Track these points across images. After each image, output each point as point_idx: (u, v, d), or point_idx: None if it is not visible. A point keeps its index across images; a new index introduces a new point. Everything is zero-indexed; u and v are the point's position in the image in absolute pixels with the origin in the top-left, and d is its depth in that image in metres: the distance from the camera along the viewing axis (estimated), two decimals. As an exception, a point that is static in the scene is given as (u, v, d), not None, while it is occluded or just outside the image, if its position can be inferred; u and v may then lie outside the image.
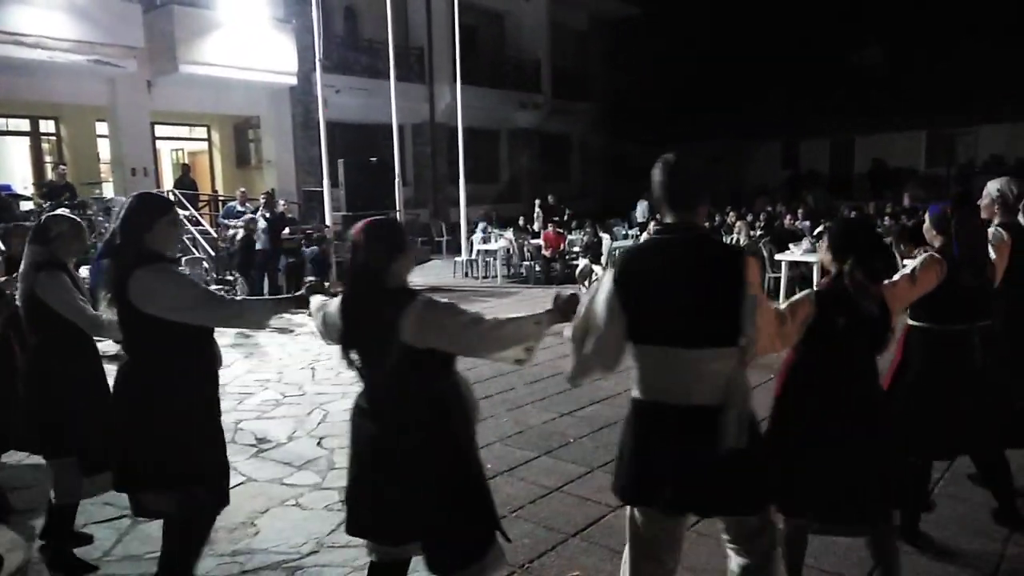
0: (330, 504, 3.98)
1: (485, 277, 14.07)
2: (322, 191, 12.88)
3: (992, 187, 3.92)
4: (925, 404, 3.21)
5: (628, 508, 2.44)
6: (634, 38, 27.78)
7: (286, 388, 6.47)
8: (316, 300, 2.74)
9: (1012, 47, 23.53)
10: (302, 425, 5.42)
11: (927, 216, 3.39)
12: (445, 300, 2.40)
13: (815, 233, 12.07)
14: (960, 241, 3.17)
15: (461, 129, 15.30)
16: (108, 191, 14.05)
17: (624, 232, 15.99)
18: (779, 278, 10.34)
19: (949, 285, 3.07)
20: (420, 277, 13.74)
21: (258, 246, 10.95)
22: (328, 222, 12.61)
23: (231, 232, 11.41)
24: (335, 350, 2.51)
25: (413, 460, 2.32)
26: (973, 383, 3.25)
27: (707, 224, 14.46)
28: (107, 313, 2.89)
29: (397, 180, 13.27)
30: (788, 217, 13.42)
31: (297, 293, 2.87)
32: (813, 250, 10.28)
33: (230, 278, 10.95)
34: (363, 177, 12.46)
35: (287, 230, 11.71)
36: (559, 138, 25.79)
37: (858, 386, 2.64)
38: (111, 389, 2.89)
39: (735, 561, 2.41)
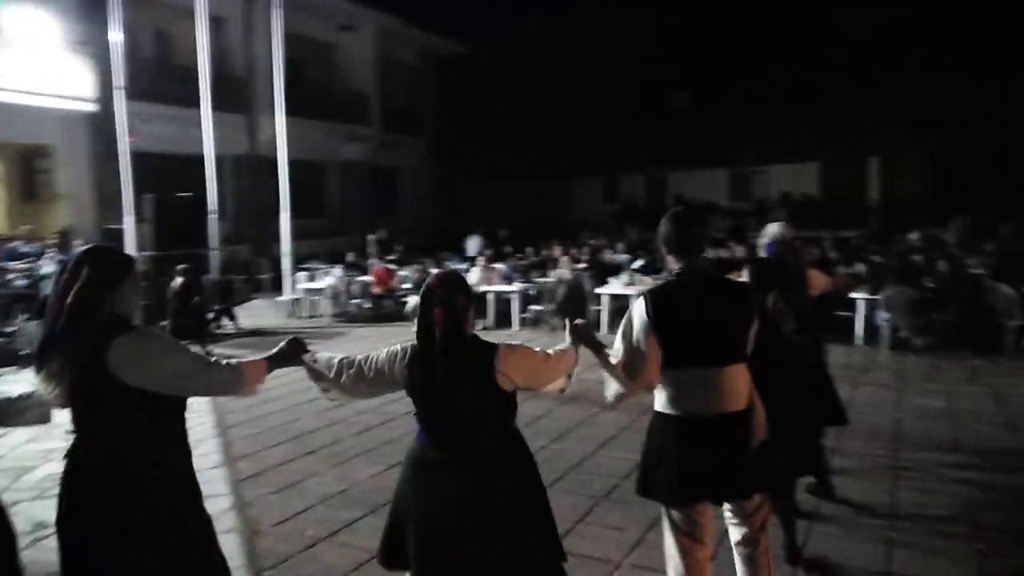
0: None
1: (312, 316, 13.50)
2: (123, 229, 11.78)
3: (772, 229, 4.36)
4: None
5: (665, 514, 2.86)
6: (463, 75, 28.37)
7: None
8: (322, 358, 2.68)
9: (795, 98, 26.71)
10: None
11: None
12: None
13: (633, 266, 12.79)
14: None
15: (285, 161, 14.69)
16: None
17: (455, 266, 16.06)
18: (600, 311, 10.78)
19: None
20: (243, 319, 12.91)
21: (45, 291, 9.75)
22: (133, 262, 11.53)
23: (10, 276, 10.06)
24: None
25: None
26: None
27: (535, 258, 14.71)
28: (41, 382, 2.35)
29: (211, 215, 12.45)
30: (609, 251, 14.10)
31: (283, 343, 2.69)
32: (632, 283, 10.86)
33: (8, 330, 9.57)
34: (174, 212, 11.56)
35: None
36: (389, 172, 25.60)
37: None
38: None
39: (737, 532, 2.92)
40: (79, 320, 2.28)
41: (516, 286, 11.81)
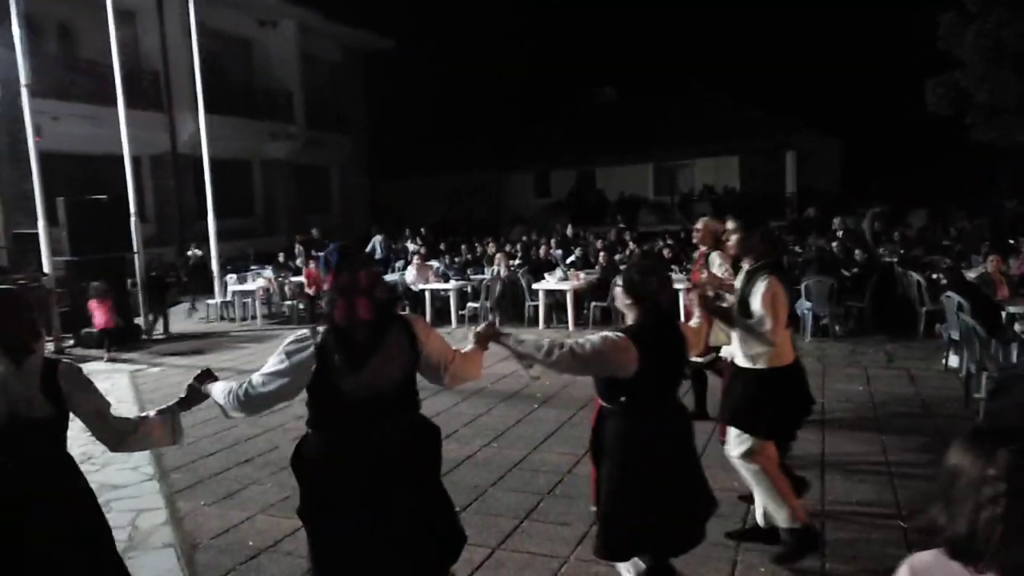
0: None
1: (244, 319, 13.13)
2: (37, 233, 11.15)
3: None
4: None
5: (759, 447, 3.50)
6: (389, 71, 28.05)
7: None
8: (218, 387, 2.66)
9: (717, 94, 27.51)
10: None
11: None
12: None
13: (567, 261, 12.95)
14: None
15: (208, 160, 14.20)
16: None
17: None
18: (537, 306, 10.89)
19: None
20: (174, 323, 12.46)
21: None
22: (47, 268, 10.95)
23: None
24: None
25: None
26: None
27: (469, 256, 14.70)
28: None
29: (133, 217, 11.93)
30: (543, 247, 14.22)
31: (188, 385, 2.73)
32: (566, 278, 11.01)
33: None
34: (90, 215, 11.01)
35: (-9, 281, 9.95)
36: (317, 170, 25.11)
37: None
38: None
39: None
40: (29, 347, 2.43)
41: (452, 283, 11.79)
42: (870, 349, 8.47)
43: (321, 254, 2.54)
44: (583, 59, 32.92)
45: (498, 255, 12.48)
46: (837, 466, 4.92)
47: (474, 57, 31.70)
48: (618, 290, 2.96)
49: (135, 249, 11.98)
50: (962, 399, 6.19)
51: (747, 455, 3.57)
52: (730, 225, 3.80)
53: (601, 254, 12.28)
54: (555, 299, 11.08)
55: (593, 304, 10.76)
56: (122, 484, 5.04)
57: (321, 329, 2.52)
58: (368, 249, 16.11)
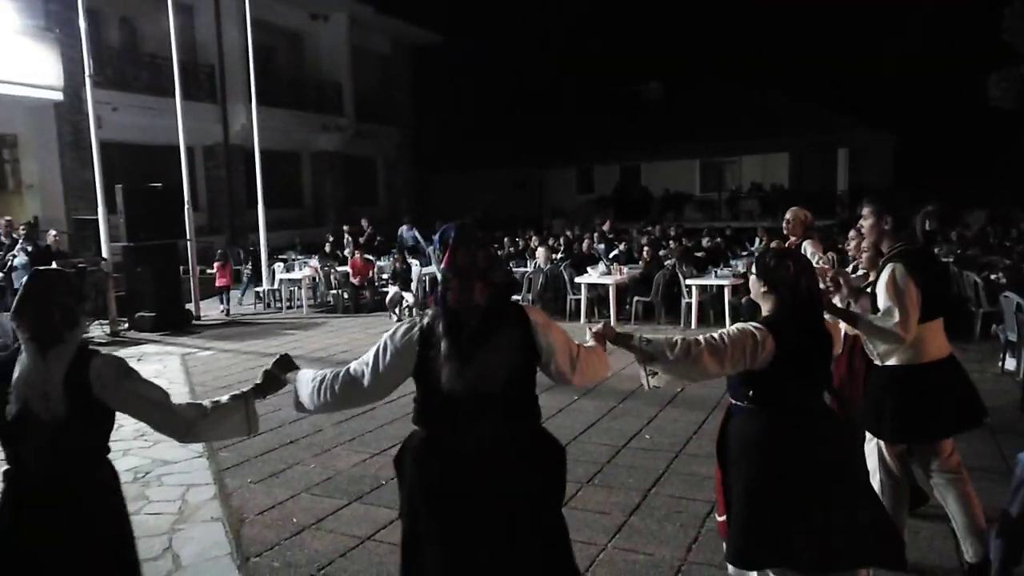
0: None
1: (290, 307, 13.41)
2: (97, 219, 11.58)
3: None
4: None
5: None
6: (437, 64, 28.24)
7: None
8: (305, 375, 2.47)
9: (766, 90, 26.98)
10: None
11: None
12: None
13: (610, 256, 12.89)
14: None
15: (258, 151, 14.53)
16: None
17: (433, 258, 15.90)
18: (579, 300, 10.87)
19: None
20: (218, 310, 12.79)
21: (16, 285, 9.58)
22: (105, 253, 11.35)
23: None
24: None
25: None
26: None
27: (511, 249, 14.67)
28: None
29: (187, 206, 12.27)
30: (586, 241, 14.19)
31: (264, 371, 2.51)
32: (608, 272, 10.97)
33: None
34: (147, 203, 11.36)
35: (54, 264, 10.34)
36: (365, 162, 25.46)
37: None
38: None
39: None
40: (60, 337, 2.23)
41: (494, 276, 11.82)
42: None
43: (436, 233, 2.36)
44: (629, 54, 32.64)
45: (540, 248, 12.49)
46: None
47: (520, 52, 31.73)
48: (752, 278, 2.68)
49: (188, 236, 12.33)
50: (1019, 402, 5.99)
51: (880, 459, 3.33)
52: (865, 211, 3.46)
53: (645, 248, 12.19)
54: (597, 293, 11.04)
55: (635, 299, 10.69)
56: (172, 460, 5.21)
57: (428, 312, 2.33)
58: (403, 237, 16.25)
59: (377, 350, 2.30)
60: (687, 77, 29.47)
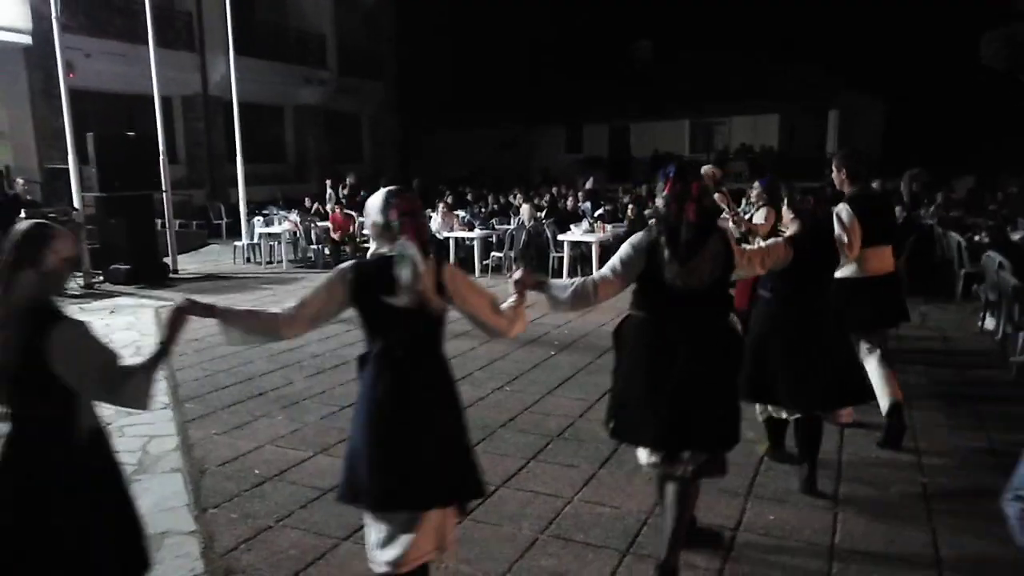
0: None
1: (269, 263, 13.19)
2: (68, 169, 11.25)
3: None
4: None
5: None
6: (423, 19, 27.49)
7: None
8: (556, 284, 3.02)
9: (757, 51, 26.56)
10: None
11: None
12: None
13: (595, 214, 12.72)
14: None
15: (237, 103, 14.12)
16: None
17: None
18: (562, 257, 10.73)
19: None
20: (197, 264, 12.58)
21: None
22: (77, 204, 11.06)
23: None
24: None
25: None
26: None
27: (495, 206, 14.48)
28: None
29: (163, 157, 11.94)
30: (570, 199, 13.96)
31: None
32: (592, 231, 10.80)
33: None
34: (120, 152, 11.02)
35: (23, 213, 10.07)
36: (349, 117, 24.93)
37: None
38: None
39: None
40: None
41: (477, 232, 11.66)
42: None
43: (663, 170, 2.96)
44: (619, 12, 31.93)
45: (525, 205, 12.29)
46: (859, 421, 4.76)
47: (509, 8, 30.94)
48: (784, 208, 3.74)
49: (164, 188, 12.04)
50: (996, 359, 5.95)
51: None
52: (834, 164, 4.66)
53: (629, 207, 12.03)
54: (580, 251, 10.90)
55: (619, 257, 10.54)
56: (136, 411, 5.08)
57: (653, 225, 2.97)
58: None
59: (620, 253, 2.94)
60: (678, 37, 28.94)
